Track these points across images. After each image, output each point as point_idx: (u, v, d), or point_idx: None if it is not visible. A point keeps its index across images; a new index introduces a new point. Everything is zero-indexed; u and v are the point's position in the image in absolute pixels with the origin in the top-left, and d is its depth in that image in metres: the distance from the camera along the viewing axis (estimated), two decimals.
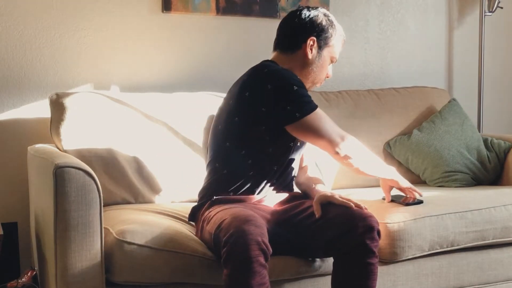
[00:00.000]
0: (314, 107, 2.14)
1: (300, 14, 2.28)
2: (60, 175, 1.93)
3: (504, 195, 2.60)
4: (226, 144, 2.22)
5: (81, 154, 2.42)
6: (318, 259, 2.17)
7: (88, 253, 1.95)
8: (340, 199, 2.10)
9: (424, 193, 2.58)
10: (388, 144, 3.05)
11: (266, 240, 1.87)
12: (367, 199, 2.50)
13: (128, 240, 1.98)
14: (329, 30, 2.27)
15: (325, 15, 2.29)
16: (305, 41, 2.25)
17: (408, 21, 3.50)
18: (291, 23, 2.29)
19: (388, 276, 2.33)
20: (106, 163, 2.49)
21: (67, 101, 2.53)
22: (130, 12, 2.88)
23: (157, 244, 2.00)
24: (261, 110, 2.13)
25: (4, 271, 2.61)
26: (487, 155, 3.01)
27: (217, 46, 3.05)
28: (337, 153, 2.17)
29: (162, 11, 2.92)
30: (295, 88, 2.12)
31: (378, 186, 2.67)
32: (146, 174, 2.55)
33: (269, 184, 2.23)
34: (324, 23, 2.27)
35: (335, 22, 2.31)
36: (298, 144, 2.26)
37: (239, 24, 3.08)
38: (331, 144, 2.15)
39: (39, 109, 2.73)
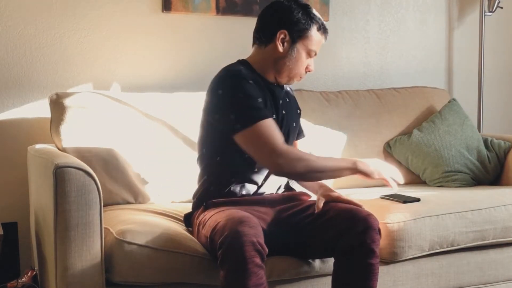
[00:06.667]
0: (258, 117, 2.02)
1: (273, 6, 2.19)
2: (60, 175, 1.93)
3: (504, 195, 2.60)
4: (203, 150, 2.21)
5: (81, 154, 2.42)
6: (318, 260, 2.17)
7: (88, 253, 1.95)
8: (347, 198, 2.13)
9: (424, 193, 2.58)
10: (388, 144, 3.05)
11: (262, 240, 1.85)
12: (367, 199, 2.50)
13: (129, 240, 1.98)
14: (304, 22, 2.14)
15: (300, 6, 2.15)
16: (276, 34, 2.15)
17: (408, 21, 3.50)
18: (264, 16, 2.20)
19: (388, 276, 2.33)
20: (106, 163, 2.49)
21: (67, 101, 2.53)
22: (130, 12, 2.88)
23: (157, 244, 2.00)
24: (215, 117, 2.10)
25: (4, 271, 2.61)
26: (487, 155, 3.01)
27: (217, 46, 3.05)
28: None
29: (162, 11, 2.92)
30: (240, 96, 2.04)
31: (378, 186, 2.67)
32: (146, 174, 2.55)
33: (256, 187, 2.19)
34: (298, 15, 2.13)
35: (313, 13, 2.16)
36: None
37: (239, 24, 3.07)
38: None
39: (39, 109, 2.73)
